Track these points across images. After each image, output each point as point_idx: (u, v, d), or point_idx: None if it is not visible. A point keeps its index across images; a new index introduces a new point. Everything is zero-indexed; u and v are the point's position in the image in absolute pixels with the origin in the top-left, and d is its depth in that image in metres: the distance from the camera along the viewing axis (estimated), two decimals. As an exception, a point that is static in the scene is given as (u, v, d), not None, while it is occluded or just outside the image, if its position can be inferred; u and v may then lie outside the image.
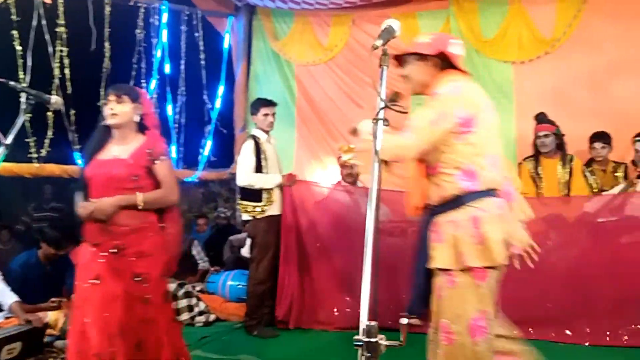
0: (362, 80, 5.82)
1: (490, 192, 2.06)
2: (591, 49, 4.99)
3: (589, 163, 4.59)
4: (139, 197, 2.63)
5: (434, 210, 2.11)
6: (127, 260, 2.60)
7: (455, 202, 2.04)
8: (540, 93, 5.11)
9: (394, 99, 2.18)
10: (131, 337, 2.56)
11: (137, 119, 2.76)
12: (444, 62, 2.18)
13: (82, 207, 2.58)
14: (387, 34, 1.83)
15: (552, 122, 4.46)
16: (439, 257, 2.04)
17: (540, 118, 4.50)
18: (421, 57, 2.20)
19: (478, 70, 5.37)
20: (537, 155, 4.51)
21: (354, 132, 2.30)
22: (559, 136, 4.45)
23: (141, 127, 2.81)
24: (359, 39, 5.90)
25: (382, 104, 1.71)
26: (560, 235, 4.06)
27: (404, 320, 1.35)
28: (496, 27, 5.35)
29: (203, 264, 5.66)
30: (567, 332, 3.86)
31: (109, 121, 2.68)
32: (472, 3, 5.41)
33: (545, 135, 4.42)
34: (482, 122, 2.08)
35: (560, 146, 4.45)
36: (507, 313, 3.91)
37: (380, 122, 1.70)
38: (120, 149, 2.71)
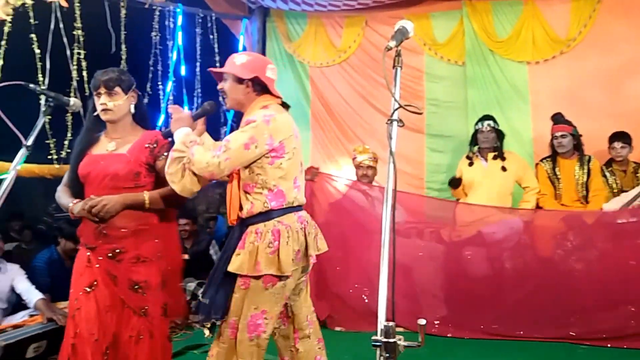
0: (375, 81, 5.82)
1: (294, 209, 2.34)
2: (607, 49, 4.95)
3: (608, 163, 4.55)
4: (146, 196, 2.44)
5: (245, 222, 2.31)
6: (125, 266, 2.41)
7: (263, 216, 2.27)
8: (555, 93, 5.08)
9: (207, 109, 2.48)
10: (121, 356, 2.39)
11: (132, 109, 2.56)
12: (259, 85, 2.37)
13: (82, 202, 2.38)
14: (401, 35, 1.83)
15: (569, 123, 4.43)
16: (238, 262, 2.24)
17: (557, 118, 4.47)
18: (238, 77, 2.37)
19: (492, 71, 5.35)
20: (554, 156, 4.48)
21: (167, 134, 2.42)
22: (576, 137, 4.41)
23: (137, 118, 2.60)
24: (372, 40, 5.90)
25: (396, 105, 1.71)
26: (579, 236, 4.03)
27: (423, 321, 1.35)
28: (510, 27, 5.32)
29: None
30: (586, 332, 3.83)
31: (102, 117, 2.50)
32: (485, 3, 5.38)
33: (563, 136, 4.38)
34: (291, 149, 2.34)
35: (577, 147, 4.42)
36: (528, 314, 3.93)
37: (395, 123, 1.70)
38: (115, 143, 2.52)
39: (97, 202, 2.35)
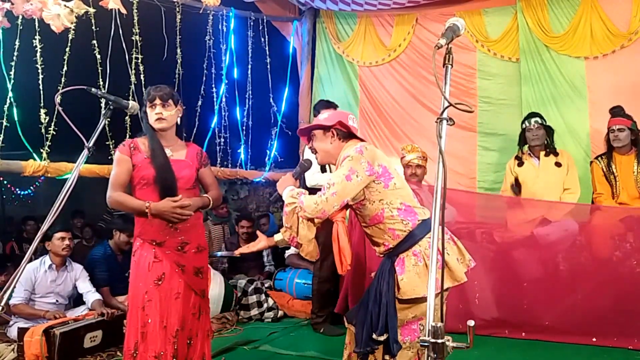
0: (426, 79, 5.77)
1: (429, 221, 2.31)
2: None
3: (670, 161, 4.32)
4: (210, 199, 2.84)
5: (394, 251, 2.31)
6: (190, 255, 2.72)
7: (411, 237, 2.28)
8: (615, 89, 4.87)
9: (305, 166, 2.73)
10: (187, 333, 2.68)
11: (178, 121, 2.85)
12: (344, 134, 2.48)
13: (168, 203, 2.61)
14: (451, 33, 1.80)
15: (628, 117, 4.24)
16: (412, 286, 2.21)
17: (616, 111, 4.29)
18: (324, 129, 2.50)
19: (547, 67, 5.19)
20: (610, 152, 4.29)
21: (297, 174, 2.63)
22: (634, 132, 4.22)
23: (176, 131, 2.89)
24: (422, 38, 5.84)
25: (447, 104, 1.70)
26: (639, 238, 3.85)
27: (471, 322, 1.34)
28: (567, 21, 5.15)
29: (269, 267, 5.80)
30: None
31: (156, 125, 2.73)
32: (540, -2, 5.23)
33: (620, 130, 4.20)
34: (394, 171, 2.38)
35: (635, 142, 4.22)
36: (583, 318, 3.79)
37: (444, 122, 1.69)
38: (172, 151, 2.77)
39: (187, 205, 2.66)
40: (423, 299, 2.20)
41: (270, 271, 5.76)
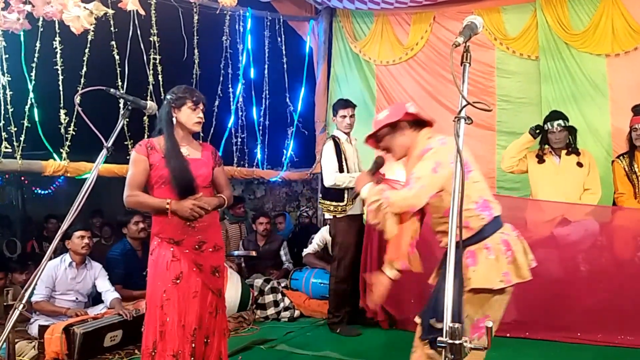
0: (443, 77, 5.73)
1: (500, 217, 2.33)
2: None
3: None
4: (224, 198, 2.85)
5: (465, 243, 2.28)
6: (207, 254, 2.74)
7: (484, 231, 2.27)
8: (637, 86, 4.77)
9: (379, 163, 2.66)
10: (204, 331, 2.69)
11: None
12: (411, 121, 2.43)
13: (190, 202, 2.65)
14: (469, 31, 1.79)
15: (651, 115, 4.15)
16: (485, 277, 2.23)
17: (638, 109, 4.20)
18: (392, 126, 2.45)
19: (568, 65, 5.12)
20: (632, 151, 4.21)
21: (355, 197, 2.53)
22: None
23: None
24: (440, 36, 5.80)
25: (464, 102, 1.68)
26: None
27: (489, 323, 1.32)
28: (587, 18, 5.07)
29: (288, 264, 5.82)
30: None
31: (195, 128, 2.80)
32: (560, -6, 5.16)
33: None
34: (473, 163, 2.37)
35: None
36: (604, 319, 3.73)
37: (462, 121, 1.67)
38: (188, 150, 2.80)
39: (206, 205, 2.70)
40: (493, 292, 2.23)
41: (288, 269, 5.78)
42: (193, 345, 2.63)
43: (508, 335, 3.96)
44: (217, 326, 2.79)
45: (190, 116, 2.77)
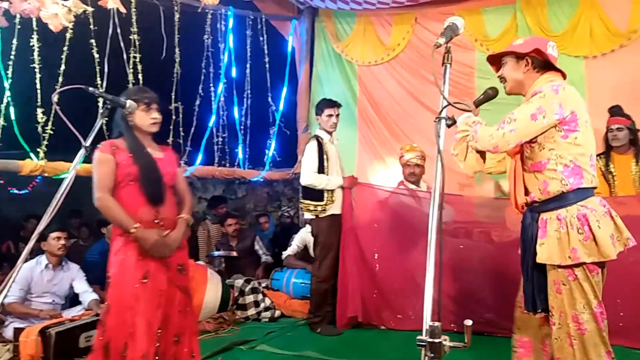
0: (425, 78, 5.76)
1: (592, 191, 2.18)
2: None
3: (669, 162, 4.32)
4: (190, 218, 2.88)
5: (539, 207, 2.20)
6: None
7: (562, 199, 2.14)
8: (614, 88, 4.85)
9: (490, 94, 2.49)
10: (174, 330, 2.67)
11: None
12: (540, 64, 2.26)
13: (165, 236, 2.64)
14: (450, 32, 1.81)
15: (627, 116, 4.24)
16: (548, 253, 2.13)
17: (615, 111, 4.29)
18: (517, 57, 2.29)
19: (547, 66, 5.18)
20: (608, 151, 4.29)
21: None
22: (633, 131, 4.22)
23: None
24: (421, 37, 5.84)
25: (445, 103, 1.69)
26: (638, 236, 3.84)
27: (469, 322, 1.33)
28: (566, 20, 5.15)
29: (266, 257, 5.81)
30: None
31: (151, 129, 2.76)
32: (540, -4, 5.23)
33: (619, 129, 4.20)
34: (584, 122, 2.18)
35: (633, 142, 4.22)
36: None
37: (443, 121, 1.68)
38: (151, 150, 2.78)
39: (173, 243, 2.70)
40: (585, 276, 2.12)
41: (268, 261, 5.77)
42: (157, 344, 2.57)
43: (487, 333, 4.00)
44: (187, 325, 2.76)
45: (144, 118, 2.73)
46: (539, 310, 2.24)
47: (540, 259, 2.16)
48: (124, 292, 2.58)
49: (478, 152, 2.34)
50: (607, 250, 2.09)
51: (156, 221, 2.66)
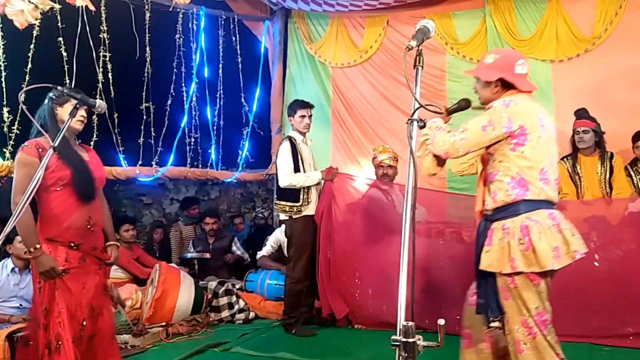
0: (397, 80, 5.82)
1: (542, 203, 2.24)
2: (633, 47, 4.87)
3: (633, 162, 4.46)
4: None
5: (491, 216, 2.32)
6: (97, 254, 2.78)
7: (509, 209, 2.24)
8: (580, 92, 5.00)
9: (463, 105, 2.57)
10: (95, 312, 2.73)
11: None
12: (508, 83, 2.34)
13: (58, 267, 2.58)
14: (422, 35, 1.83)
15: (592, 119, 4.35)
16: (489, 260, 2.26)
17: (580, 114, 4.40)
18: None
19: (515, 70, 5.29)
20: (575, 153, 4.40)
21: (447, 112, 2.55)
22: (598, 133, 4.33)
23: None
24: (393, 40, 5.89)
25: (417, 105, 1.72)
26: (603, 237, 3.96)
27: (442, 321, 1.35)
28: (534, 25, 5.27)
29: (242, 254, 5.82)
30: (609, 333, 3.77)
31: (77, 126, 2.67)
32: (508, 2, 5.34)
33: (584, 131, 4.30)
34: (535, 138, 2.24)
35: (599, 144, 4.33)
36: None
37: (415, 123, 1.70)
38: (78, 151, 2.76)
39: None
40: (526, 284, 2.21)
41: (243, 257, 5.76)
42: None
43: (459, 332, 4.06)
44: (105, 304, 2.82)
45: (76, 116, 2.63)
46: (495, 318, 2.32)
47: (482, 265, 2.28)
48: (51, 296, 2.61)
49: (435, 156, 2.45)
50: (545, 261, 2.16)
51: (88, 226, 2.67)
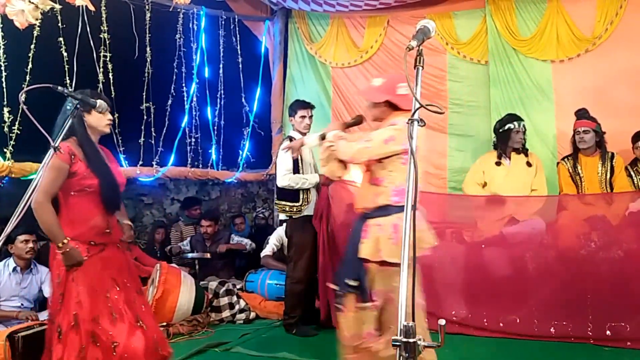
0: (398, 80, 5.80)
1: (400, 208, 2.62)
2: (634, 47, 4.86)
3: (633, 162, 4.46)
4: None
5: (369, 214, 2.68)
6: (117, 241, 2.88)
7: (385, 210, 2.62)
8: (580, 92, 4.99)
9: (357, 120, 2.98)
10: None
11: None
12: (394, 106, 2.69)
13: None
14: (422, 35, 1.82)
15: (592, 119, 4.35)
16: (366, 250, 2.64)
17: (581, 114, 4.40)
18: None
19: (515, 70, 5.30)
20: (575, 153, 4.40)
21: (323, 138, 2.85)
22: (599, 133, 4.33)
23: None
24: (394, 40, 5.89)
25: (418, 105, 1.71)
26: (603, 236, 3.96)
27: (442, 321, 1.34)
28: (534, 25, 5.26)
29: (246, 241, 5.83)
30: (609, 333, 3.77)
31: (106, 129, 2.78)
32: (509, 2, 5.34)
33: (585, 132, 4.30)
34: (420, 157, 2.71)
35: (599, 144, 4.33)
36: (550, 314, 3.88)
37: (416, 123, 1.70)
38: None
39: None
40: (382, 270, 2.59)
41: (244, 246, 5.82)
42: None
43: (460, 332, 4.07)
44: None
45: (101, 120, 2.74)
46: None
47: (360, 254, 2.65)
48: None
49: (340, 161, 2.78)
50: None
51: (107, 230, 2.73)
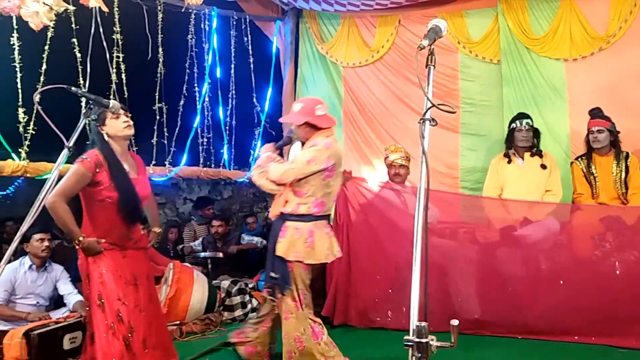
0: (409, 80, 5.79)
1: (326, 217, 3.11)
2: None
3: (649, 162, 4.40)
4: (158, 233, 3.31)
5: (288, 217, 3.04)
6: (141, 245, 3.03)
7: (304, 217, 3.01)
8: (594, 90, 4.94)
9: (286, 141, 3.33)
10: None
11: None
12: (315, 126, 3.05)
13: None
14: (434, 34, 1.81)
15: (607, 118, 4.30)
16: (282, 249, 2.99)
17: (595, 113, 4.35)
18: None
19: (528, 69, 5.26)
20: (589, 153, 4.36)
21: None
22: (613, 133, 4.28)
23: None
24: (405, 39, 5.87)
25: (430, 104, 1.71)
26: (619, 237, 3.91)
27: (455, 322, 1.34)
28: (547, 24, 5.22)
29: (260, 244, 5.87)
30: (625, 336, 3.72)
31: (127, 132, 2.82)
32: (521, 0, 5.29)
33: (599, 131, 4.26)
34: (339, 173, 3.12)
35: (614, 143, 4.28)
36: (564, 316, 3.84)
37: (427, 123, 1.69)
38: (128, 167, 2.84)
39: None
40: (300, 270, 3.00)
41: (255, 245, 5.87)
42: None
43: (473, 333, 4.04)
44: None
45: (116, 124, 2.80)
46: (285, 289, 3.02)
47: (277, 252, 2.99)
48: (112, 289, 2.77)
49: (271, 181, 3.06)
50: (319, 257, 3.02)
51: (130, 237, 2.84)
